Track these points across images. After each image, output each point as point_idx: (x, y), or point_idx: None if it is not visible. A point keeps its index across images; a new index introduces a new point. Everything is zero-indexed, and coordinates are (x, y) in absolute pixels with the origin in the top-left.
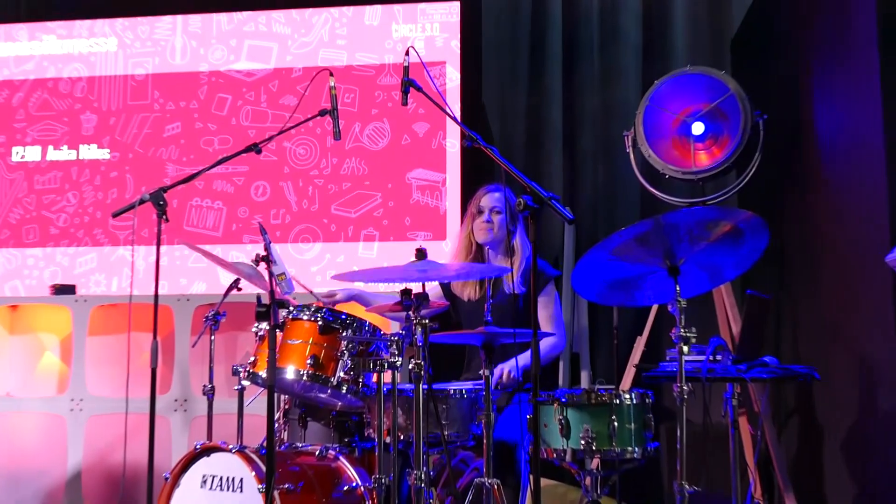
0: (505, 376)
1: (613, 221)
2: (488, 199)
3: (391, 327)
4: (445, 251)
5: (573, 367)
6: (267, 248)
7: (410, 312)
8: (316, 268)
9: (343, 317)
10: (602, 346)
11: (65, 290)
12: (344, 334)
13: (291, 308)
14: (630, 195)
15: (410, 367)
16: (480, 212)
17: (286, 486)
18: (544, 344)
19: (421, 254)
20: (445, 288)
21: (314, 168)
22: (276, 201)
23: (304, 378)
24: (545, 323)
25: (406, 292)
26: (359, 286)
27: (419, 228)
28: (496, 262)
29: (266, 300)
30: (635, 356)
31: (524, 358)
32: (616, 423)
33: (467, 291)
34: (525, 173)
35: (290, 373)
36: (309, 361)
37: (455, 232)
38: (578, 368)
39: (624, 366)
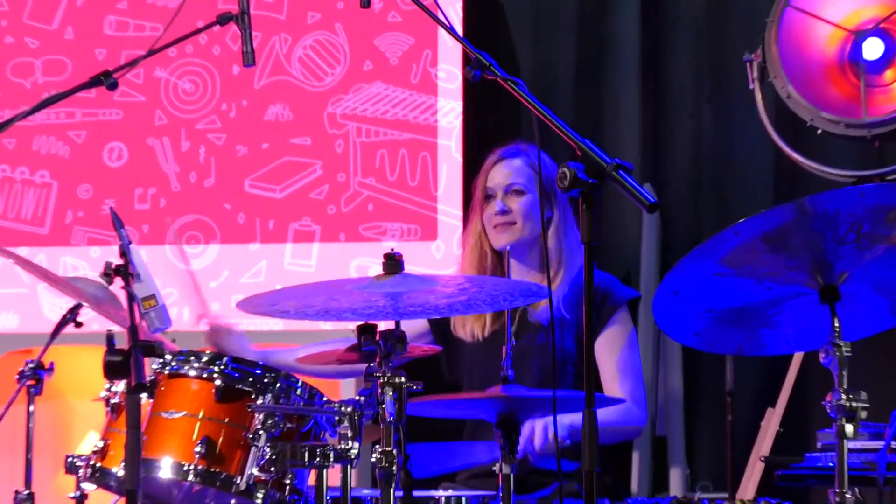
0: (537, 438)
1: (725, 209)
2: (502, 173)
3: (340, 390)
4: (437, 258)
5: (657, 458)
6: (125, 254)
7: (374, 364)
8: (214, 284)
9: (258, 371)
10: (706, 423)
11: None
12: (259, 402)
13: (168, 357)
14: (753, 163)
15: (375, 458)
16: (490, 196)
17: None
18: (609, 414)
19: (393, 262)
20: (436, 325)
21: (209, 116)
22: (142, 172)
23: (191, 478)
24: (610, 380)
25: (366, 329)
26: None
27: (391, 219)
28: (525, 277)
29: (124, 342)
30: (764, 442)
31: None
32: None
33: (471, 326)
34: (576, 130)
35: (165, 469)
36: (198, 449)
37: (453, 225)
38: (665, 462)
39: (743, 459)
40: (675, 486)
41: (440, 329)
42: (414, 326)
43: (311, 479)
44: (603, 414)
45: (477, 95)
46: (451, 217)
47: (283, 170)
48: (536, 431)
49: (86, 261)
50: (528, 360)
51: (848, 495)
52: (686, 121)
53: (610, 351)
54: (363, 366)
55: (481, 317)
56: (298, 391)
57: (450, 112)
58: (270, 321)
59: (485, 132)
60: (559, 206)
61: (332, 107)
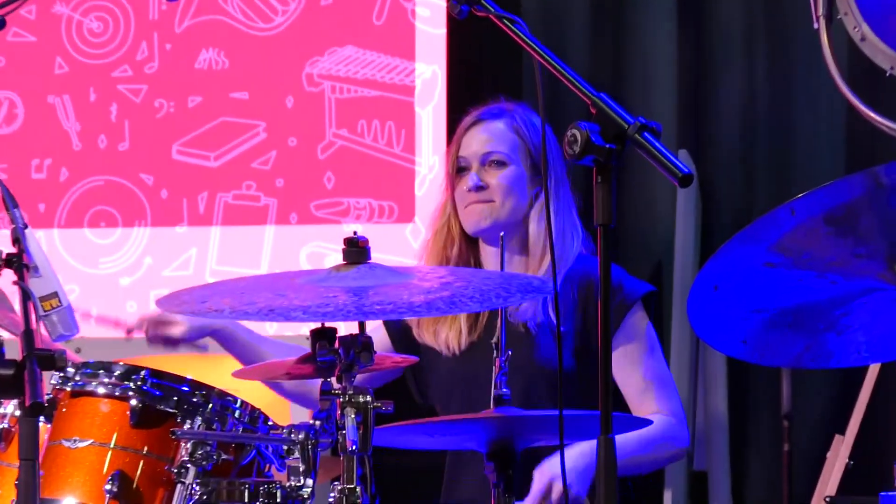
0: (555, 497)
1: (781, 182)
2: (478, 139)
3: (290, 413)
4: (415, 245)
5: (694, 497)
6: (18, 240)
7: (332, 379)
8: (127, 280)
9: (185, 388)
10: (756, 454)
11: None
12: (187, 427)
13: (72, 370)
14: (817, 125)
15: (333, 499)
16: (464, 168)
17: None
18: (647, 431)
19: (356, 250)
20: (399, 330)
21: (121, 64)
22: (38, 136)
23: None
24: (639, 396)
25: (321, 334)
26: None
27: (356, 194)
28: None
29: (16, 352)
30: (829, 478)
31: (589, 454)
32: None
33: (445, 335)
34: (592, 83)
35: None
36: (109, 487)
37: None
38: (706, 502)
39: (804, 499)
40: None
41: (403, 339)
42: (383, 333)
43: None
44: (641, 435)
45: (465, 39)
46: (433, 193)
47: (217, 132)
48: (554, 488)
49: None
50: (528, 373)
51: None
52: (733, 72)
53: (630, 361)
54: (317, 381)
55: (455, 323)
56: (237, 413)
57: (433, 62)
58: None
59: (475, 87)
60: (551, 179)
61: (282, 53)
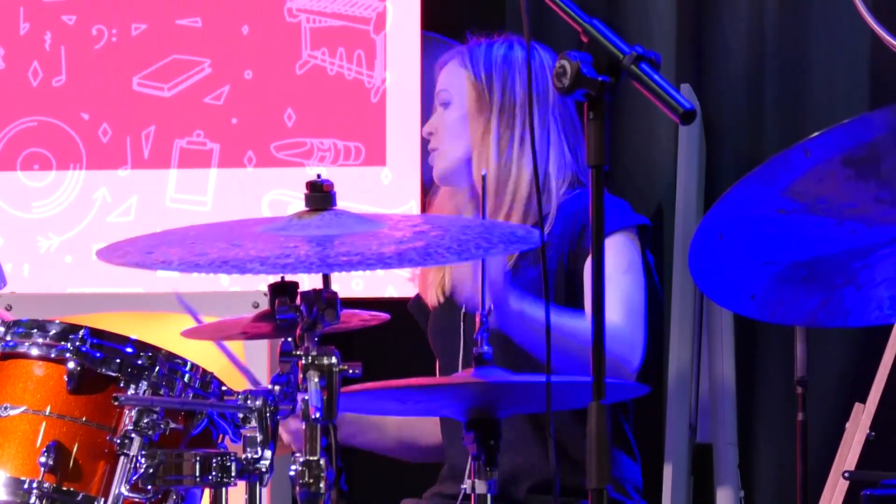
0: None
1: (795, 120)
2: (437, 83)
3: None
4: (387, 186)
5: (698, 472)
6: None
7: (293, 338)
8: (62, 237)
9: (129, 350)
10: (767, 424)
11: None
12: (130, 392)
13: (1, 329)
14: (837, 57)
15: (294, 472)
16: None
17: None
18: (579, 324)
19: (320, 195)
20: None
21: None
22: None
23: (34, 500)
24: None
25: (281, 289)
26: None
27: (320, 134)
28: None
29: None
30: (848, 451)
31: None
32: None
33: (430, 286)
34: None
35: None
36: (44, 460)
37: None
38: (710, 477)
39: (820, 473)
40: None
41: None
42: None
43: (205, 502)
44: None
45: None
46: (407, 132)
47: (165, 64)
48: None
49: None
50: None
51: None
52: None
53: (608, 278)
54: (279, 339)
55: (440, 273)
56: (187, 377)
57: None
58: (152, 279)
59: (454, 12)
60: (497, 112)
61: None
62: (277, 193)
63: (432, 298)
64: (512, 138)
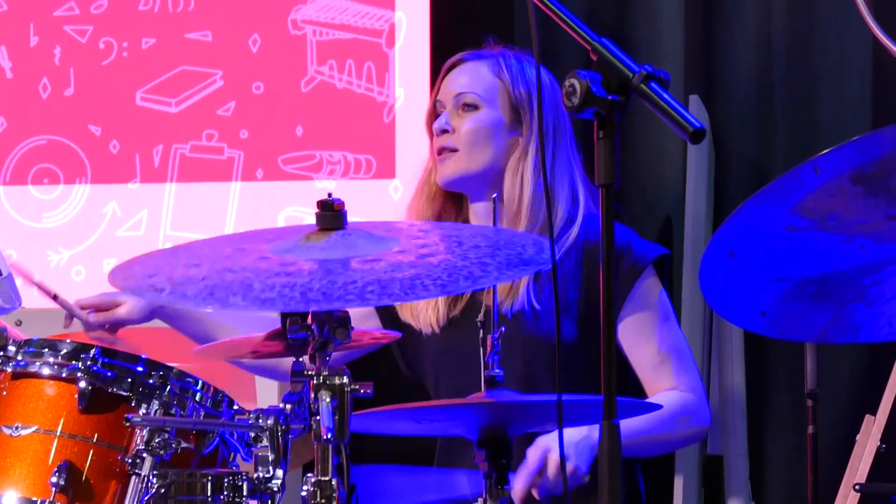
0: (551, 469)
1: (803, 136)
2: (455, 80)
3: (257, 394)
4: (399, 205)
5: (708, 484)
6: None
7: (305, 358)
8: (72, 251)
9: (140, 369)
10: (778, 437)
11: None
12: (142, 412)
13: (13, 348)
14: (844, 70)
15: (307, 492)
16: (436, 118)
17: None
18: (669, 407)
19: (331, 214)
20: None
21: (66, 1)
22: None
23: None
24: (653, 370)
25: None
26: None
27: (329, 147)
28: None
29: None
30: (859, 463)
31: (593, 429)
32: None
33: (423, 311)
34: (591, 26)
35: None
36: (55, 480)
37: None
38: (721, 489)
39: (830, 486)
40: None
41: (387, 308)
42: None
43: None
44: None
45: None
46: (417, 145)
47: (175, 77)
48: (550, 460)
49: None
50: (508, 353)
51: None
52: (748, 8)
53: (643, 331)
54: (289, 359)
55: (432, 300)
56: (198, 396)
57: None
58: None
59: (464, 27)
60: (531, 128)
61: None
62: (293, 210)
63: (427, 323)
64: (549, 161)
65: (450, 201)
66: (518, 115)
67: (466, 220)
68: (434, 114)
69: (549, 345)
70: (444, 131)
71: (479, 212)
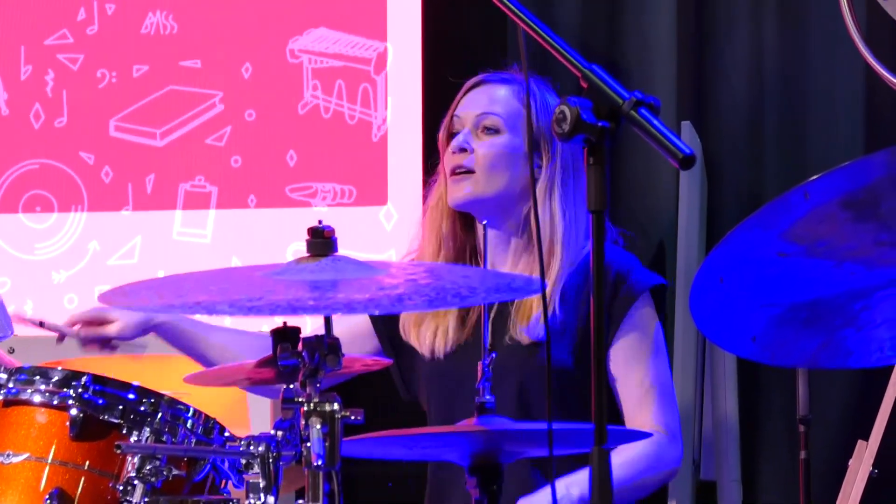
0: None
1: (794, 161)
2: (475, 100)
3: (249, 422)
4: (388, 230)
5: None
6: None
7: (296, 384)
8: (64, 273)
9: (131, 396)
10: (770, 462)
11: None
12: (133, 439)
13: (4, 376)
14: (835, 96)
15: None
16: (453, 134)
17: None
18: (636, 460)
19: (321, 241)
20: (382, 325)
21: (59, 29)
22: None
23: None
24: (635, 405)
25: (282, 334)
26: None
27: (320, 178)
28: (492, 258)
29: None
30: (852, 488)
31: (584, 481)
32: None
33: (431, 335)
34: (582, 52)
35: None
36: None
37: (410, 182)
38: None
39: None
40: None
41: (389, 334)
42: (355, 330)
43: None
44: (628, 458)
45: (441, 9)
46: (408, 171)
47: (165, 105)
48: None
49: None
50: (502, 382)
51: None
52: (739, 36)
53: (633, 359)
54: (280, 386)
55: (443, 322)
56: (189, 423)
57: (408, 25)
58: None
59: (456, 54)
60: (554, 161)
61: (241, 15)
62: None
63: (437, 347)
64: (571, 195)
65: (460, 224)
66: (538, 144)
67: (473, 248)
68: (450, 128)
69: (553, 371)
70: (463, 150)
71: (494, 245)
